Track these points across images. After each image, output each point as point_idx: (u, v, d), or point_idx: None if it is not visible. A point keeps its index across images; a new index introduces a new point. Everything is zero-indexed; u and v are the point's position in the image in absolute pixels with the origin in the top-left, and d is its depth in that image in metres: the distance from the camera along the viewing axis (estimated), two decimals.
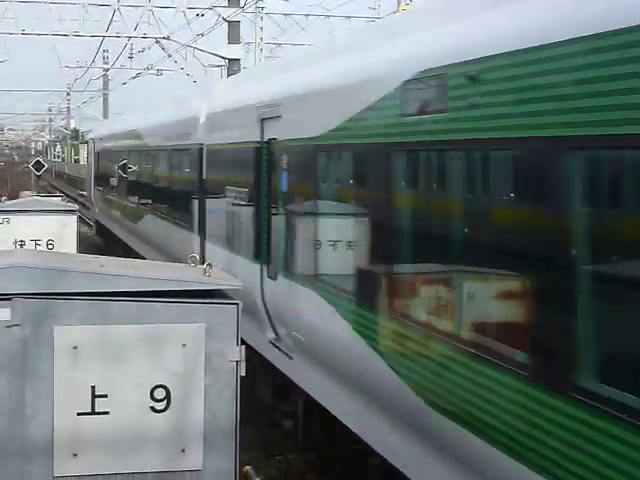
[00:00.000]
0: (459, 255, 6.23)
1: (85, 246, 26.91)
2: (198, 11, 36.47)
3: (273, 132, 10.55)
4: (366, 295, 7.80)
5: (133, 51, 51.90)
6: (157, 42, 39.32)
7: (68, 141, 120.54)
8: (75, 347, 5.29)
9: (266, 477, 10.28)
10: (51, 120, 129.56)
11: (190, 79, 39.57)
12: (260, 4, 37.74)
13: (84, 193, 46.87)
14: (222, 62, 37.78)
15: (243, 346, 5.53)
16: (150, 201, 20.68)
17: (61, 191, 59.18)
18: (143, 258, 18.15)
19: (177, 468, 5.46)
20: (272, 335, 10.77)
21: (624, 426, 4.42)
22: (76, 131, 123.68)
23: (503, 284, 5.86)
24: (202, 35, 36.97)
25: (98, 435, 5.34)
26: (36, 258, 5.77)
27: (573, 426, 4.81)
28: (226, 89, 15.56)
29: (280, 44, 55.26)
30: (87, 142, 39.71)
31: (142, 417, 5.38)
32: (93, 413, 5.33)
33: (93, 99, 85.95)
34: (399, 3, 37.00)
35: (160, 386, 5.40)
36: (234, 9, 35.36)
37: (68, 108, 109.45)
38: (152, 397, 5.39)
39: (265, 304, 10.89)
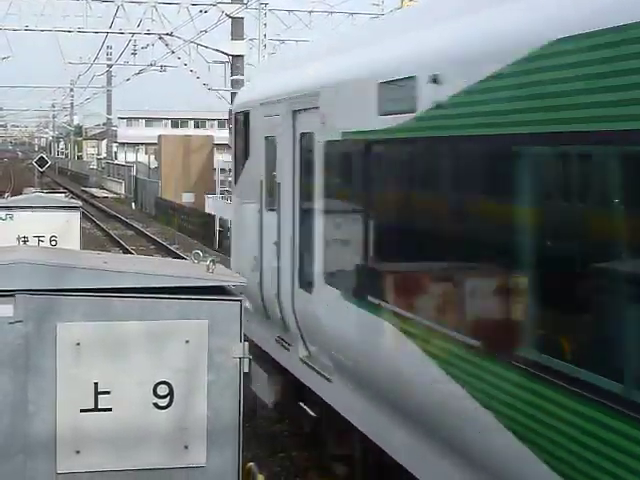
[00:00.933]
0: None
1: (88, 242, 26.94)
2: (201, 7, 36.52)
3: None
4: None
5: (136, 47, 51.92)
6: (160, 38, 39.36)
7: (71, 137, 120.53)
8: (78, 344, 5.29)
9: (269, 474, 10.27)
10: (54, 116, 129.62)
11: (193, 75, 39.59)
12: (263, 0, 37.75)
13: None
14: (225, 58, 37.79)
15: (246, 342, 5.52)
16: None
17: (65, 187, 59.25)
18: None
19: (180, 465, 5.45)
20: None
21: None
22: (79, 127, 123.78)
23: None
24: (205, 31, 36.97)
25: (101, 432, 5.34)
26: (39, 254, 5.77)
27: None
28: None
29: (283, 40, 55.29)
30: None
31: (145, 414, 5.38)
32: (96, 410, 5.33)
33: (97, 95, 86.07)
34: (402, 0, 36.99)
35: (163, 383, 5.39)
36: (237, 5, 35.37)
37: (71, 104, 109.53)
38: (155, 394, 5.39)
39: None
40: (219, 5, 35.82)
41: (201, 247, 34.55)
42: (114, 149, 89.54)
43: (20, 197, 17.38)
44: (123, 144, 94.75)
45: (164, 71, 53.54)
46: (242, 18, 36.31)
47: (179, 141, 54.06)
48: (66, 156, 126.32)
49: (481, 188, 6.39)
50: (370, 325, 7.85)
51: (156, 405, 5.39)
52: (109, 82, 78.49)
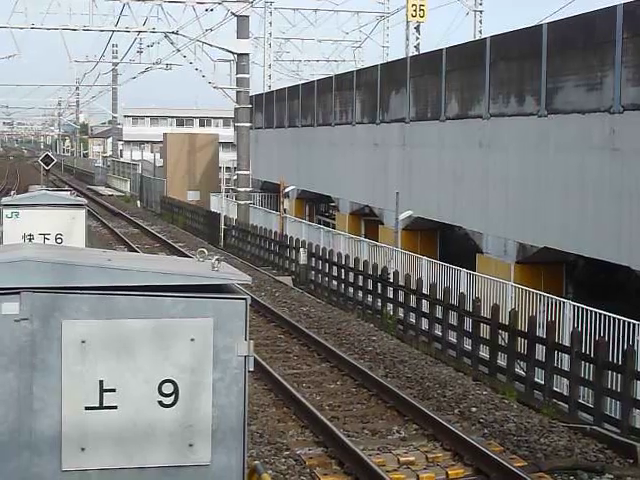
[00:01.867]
0: None
1: (93, 240, 26.97)
2: (207, 6, 36.49)
3: None
4: None
5: (142, 46, 51.99)
6: (166, 37, 39.36)
7: (77, 135, 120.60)
8: (83, 341, 5.29)
9: (274, 472, 10.28)
10: (60, 114, 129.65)
11: (199, 74, 39.60)
12: None
13: None
14: (231, 57, 37.80)
15: (252, 341, 5.51)
16: None
17: (70, 185, 59.29)
18: None
19: (185, 463, 5.45)
20: None
21: None
22: (85, 125, 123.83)
23: None
24: (211, 30, 36.98)
25: (106, 429, 5.33)
26: (45, 252, 5.76)
27: None
28: None
29: (289, 39, 55.31)
30: None
31: (150, 411, 5.37)
32: (101, 407, 5.32)
33: (102, 93, 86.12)
34: None
35: (168, 381, 5.39)
36: (243, 4, 35.38)
37: (77, 102, 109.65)
38: (160, 392, 5.38)
39: None
40: (225, 4, 35.84)
41: (206, 245, 34.58)
42: (119, 147, 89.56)
43: (26, 195, 17.40)
44: (129, 142, 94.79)
45: (169, 69, 53.57)
46: (247, 16, 36.33)
47: (184, 139, 54.12)
48: (72, 154, 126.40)
49: None
50: None
51: (161, 403, 5.39)
52: (115, 80, 78.55)
